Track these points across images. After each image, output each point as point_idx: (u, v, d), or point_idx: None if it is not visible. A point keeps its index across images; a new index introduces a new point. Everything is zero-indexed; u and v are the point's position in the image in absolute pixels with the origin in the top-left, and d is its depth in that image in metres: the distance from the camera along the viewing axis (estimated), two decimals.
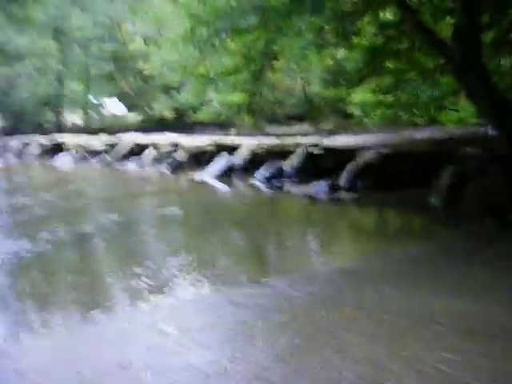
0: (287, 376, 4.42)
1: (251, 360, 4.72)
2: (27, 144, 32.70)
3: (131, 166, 22.41)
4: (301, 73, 23.38)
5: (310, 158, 15.94)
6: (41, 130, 37.99)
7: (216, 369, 4.61)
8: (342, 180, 14.02)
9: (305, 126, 25.89)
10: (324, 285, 6.84)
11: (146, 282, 7.70)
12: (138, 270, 8.42)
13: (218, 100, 19.96)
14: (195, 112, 28.83)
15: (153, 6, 26.19)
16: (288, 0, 10.33)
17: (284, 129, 24.83)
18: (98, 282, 8.24)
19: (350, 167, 14.16)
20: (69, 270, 8.95)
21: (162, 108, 37.66)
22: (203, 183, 17.06)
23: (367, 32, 13.52)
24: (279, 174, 15.82)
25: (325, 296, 6.32)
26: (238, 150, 18.22)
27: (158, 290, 7.31)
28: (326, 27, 11.82)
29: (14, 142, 33.91)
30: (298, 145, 16.65)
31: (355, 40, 13.32)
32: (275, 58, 12.90)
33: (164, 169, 20.41)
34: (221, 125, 29.46)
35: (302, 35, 12.00)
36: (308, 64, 17.96)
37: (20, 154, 31.79)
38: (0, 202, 16.25)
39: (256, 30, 11.29)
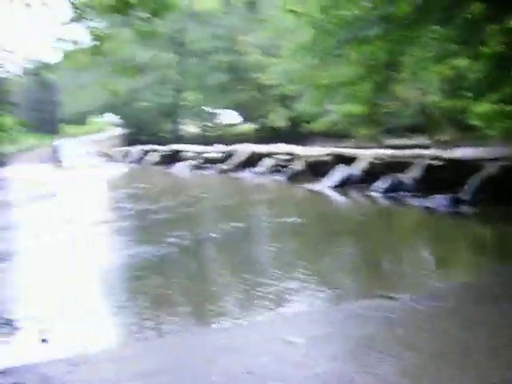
0: None
1: (377, 373, 4.60)
2: (147, 152, 33.94)
3: (247, 174, 22.70)
4: (418, 83, 22.83)
5: (429, 170, 15.54)
6: (159, 138, 39.34)
7: (342, 381, 4.54)
8: (464, 193, 13.55)
9: (422, 138, 25.34)
10: (445, 299, 6.59)
11: (266, 291, 7.73)
12: (258, 278, 8.48)
13: (336, 110, 19.90)
14: (310, 122, 28.86)
15: (271, 18, 26.42)
16: (414, 10, 10.13)
17: (401, 140, 24.40)
18: (220, 288, 8.37)
19: (472, 180, 13.68)
20: (191, 276, 9.15)
21: (277, 118, 37.98)
22: (320, 193, 17.02)
23: (492, 40, 13.02)
24: (398, 186, 15.48)
25: (447, 310, 6.10)
26: (356, 161, 18.06)
27: (280, 299, 7.32)
28: (451, 36, 11.51)
29: (135, 149, 35.28)
30: (416, 157, 16.29)
31: (481, 49, 12.87)
32: (397, 68, 12.67)
33: (280, 178, 20.53)
34: (336, 135, 29.33)
35: (426, 45, 11.75)
36: (427, 74, 17.53)
37: (140, 161, 33.01)
38: (125, 207, 16.94)
39: (379, 40, 11.16)
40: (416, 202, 14.29)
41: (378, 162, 17.49)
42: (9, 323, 3.55)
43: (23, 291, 8.95)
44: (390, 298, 6.76)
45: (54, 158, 31.10)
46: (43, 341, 3.53)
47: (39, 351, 4.21)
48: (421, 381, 4.42)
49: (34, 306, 7.91)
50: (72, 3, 10.52)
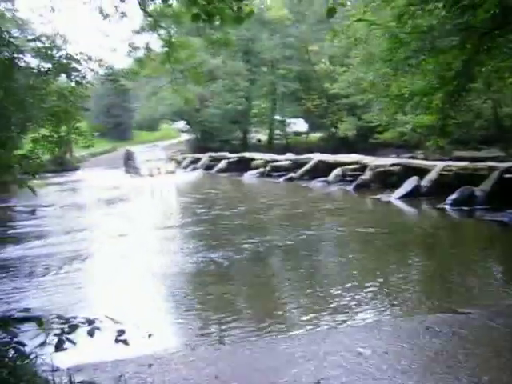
0: None
1: None
2: (215, 159, 34.28)
3: (316, 183, 22.66)
4: (493, 94, 22.28)
5: (502, 183, 15.13)
6: (228, 146, 39.68)
7: None
8: None
9: (494, 150, 24.77)
10: None
11: (337, 302, 7.72)
12: (329, 288, 8.49)
13: (406, 121, 19.67)
14: (379, 133, 28.63)
15: (342, 26, 26.35)
16: (491, 19, 9.91)
17: (472, 152, 23.94)
18: (292, 297, 8.39)
19: None
20: (263, 283, 9.20)
21: (346, 128, 37.79)
22: (388, 204, 16.83)
23: None
24: (469, 199, 15.08)
25: None
26: (426, 173, 17.77)
27: (350, 310, 7.30)
28: None
29: (204, 156, 35.69)
30: (489, 169, 15.91)
31: None
32: (471, 78, 12.39)
33: (348, 188, 20.41)
34: (405, 146, 29.00)
35: (503, 55, 11.48)
36: (503, 84, 17.10)
37: (209, 168, 33.34)
38: (198, 212, 17.23)
39: (454, 49, 10.96)
40: (488, 215, 13.93)
41: (449, 173, 17.16)
42: (89, 322, 3.65)
43: (100, 291, 9.22)
44: (461, 313, 6.64)
45: (127, 164, 31.76)
46: (123, 342, 3.61)
47: (114, 351, 4.33)
48: None
49: (111, 306, 8.16)
50: (145, 12, 10.74)
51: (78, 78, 7.82)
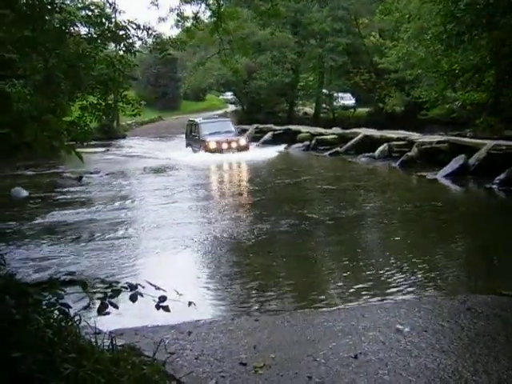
0: None
1: (494, 376, 4.46)
2: (262, 130, 34.15)
3: (361, 158, 22.45)
4: None
5: None
6: (274, 118, 39.52)
7: (455, 377, 4.43)
8: None
9: None
10: None
11: (379, 278, 7.68)
12: (372, 265, 8.42)
13: (456, 97, 19.25)
14: (427, 109, 28.10)
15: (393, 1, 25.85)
16: None
17: None
18: (332, 272, 8.40)
19: None
20: (302, 256, 9.25)
21: (393, 103, 37.22)
22: (434, 181, 16.55)
23: None
24: None
25: None
26: (474, 151, 17.37)
27: (392, 287, 7.26)
28: None
29: (250, 128, 35.60)
30: None
31: None
32: None
33: (394, 164, 20.15)
34: (453, 124, 28.42)
35: None
36: None
37: (254, 139, 33.21)
38: (256, 182, 17.58)
39: (509, 26, 10.67)
40: None
41: (498, 152, 16.69)
42: (131, 288, 3.71)
43: (143, 258, 9.36)
44: (505, 295, 6.53)
45: (189, 137, 30.15)
46: (164, 308, 3.66)
47: (155, 317, 4.40)
48: None
49: (154, 272, 8.29)
50: None
51: (126, 47, 7.84)
